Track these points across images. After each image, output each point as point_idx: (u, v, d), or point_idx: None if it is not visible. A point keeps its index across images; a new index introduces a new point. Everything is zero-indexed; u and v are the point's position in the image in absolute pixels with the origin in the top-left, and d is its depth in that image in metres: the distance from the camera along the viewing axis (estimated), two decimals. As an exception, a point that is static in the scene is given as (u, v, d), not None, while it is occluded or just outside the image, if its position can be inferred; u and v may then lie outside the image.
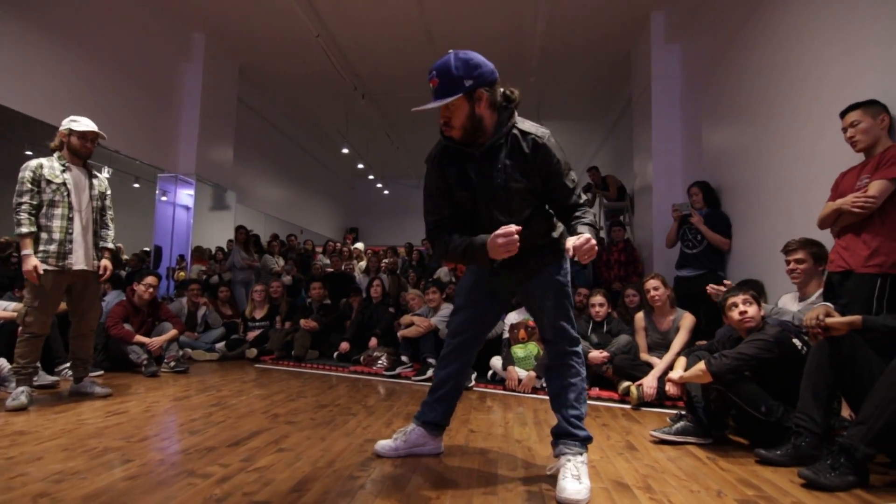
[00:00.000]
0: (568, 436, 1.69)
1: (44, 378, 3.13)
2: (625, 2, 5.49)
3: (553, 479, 1.62)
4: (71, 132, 2.80)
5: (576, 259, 1.51)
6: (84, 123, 2.82)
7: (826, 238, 2.53)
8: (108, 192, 3.05)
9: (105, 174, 5.85)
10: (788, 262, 2.63)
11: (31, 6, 4.27)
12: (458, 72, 1.51)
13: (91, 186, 2.90)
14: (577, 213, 1.67)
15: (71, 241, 2.74)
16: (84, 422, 2.31)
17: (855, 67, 2.71)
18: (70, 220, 2.75)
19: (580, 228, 1.60)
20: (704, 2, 4.69)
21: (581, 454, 1.65)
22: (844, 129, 2.33)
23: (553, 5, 5.37)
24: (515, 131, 1.62)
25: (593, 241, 1.50)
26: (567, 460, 1.61)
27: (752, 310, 2.32)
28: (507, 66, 7.12)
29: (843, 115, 2.35)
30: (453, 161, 1.68)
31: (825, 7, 2.98)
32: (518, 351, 3.69)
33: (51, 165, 2.75)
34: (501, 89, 1.62)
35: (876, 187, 2.10)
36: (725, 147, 4.33)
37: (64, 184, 2.74)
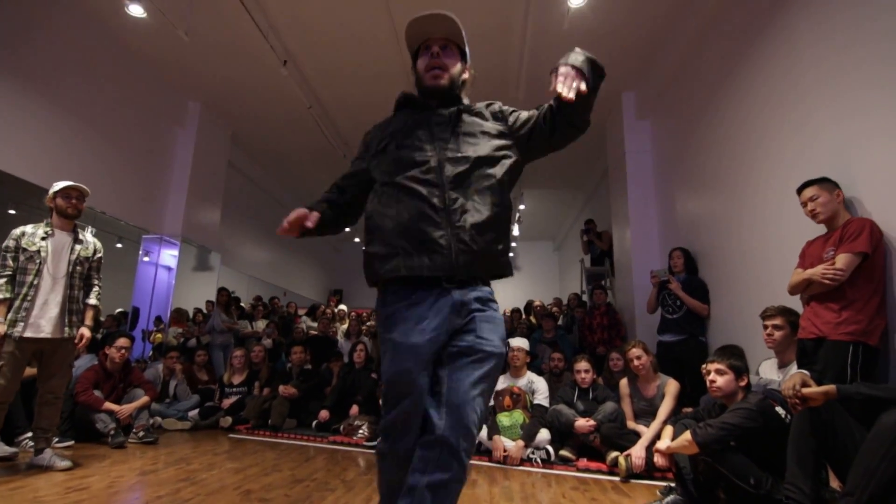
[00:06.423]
0: None
1: (1, 449, 2.94)
2: (598, 82, 5.91)
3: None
4: (55, 194, 2.87)
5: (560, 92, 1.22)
6: (63, 183, 2.89)
7: (796, 303, 2.62)
8: (99, 255, 3.07)
9: (88, 234, 5.82)
10: (766, 327, 2.69)
11: (21, 67, 4.31)
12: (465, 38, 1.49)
13: (72, 251, 2.90)
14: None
15: (28, 310, 2.70)
16: (41, 499, 2.15)
17: (808, 143, 2.94)
18: (35, 287, 2.73)
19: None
20: (670, 84, 5.10)
21: None
22: (804, 204, 2.49)
23: (531, 80, 5.74)
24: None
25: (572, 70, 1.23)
26: None
27: (721, 380, 2.34)
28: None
29: (799, 191, 2.52)
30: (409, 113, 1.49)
31: (780, 89, 3.26)
32: (503, 419, 3.60)
33: (32, 233, 2.80)
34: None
35: (843, 260, 2.22)
36: (699, 216, 4.54)
37: (38, 251, 2.76)
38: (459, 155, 1.36)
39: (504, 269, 1.40)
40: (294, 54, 5.53)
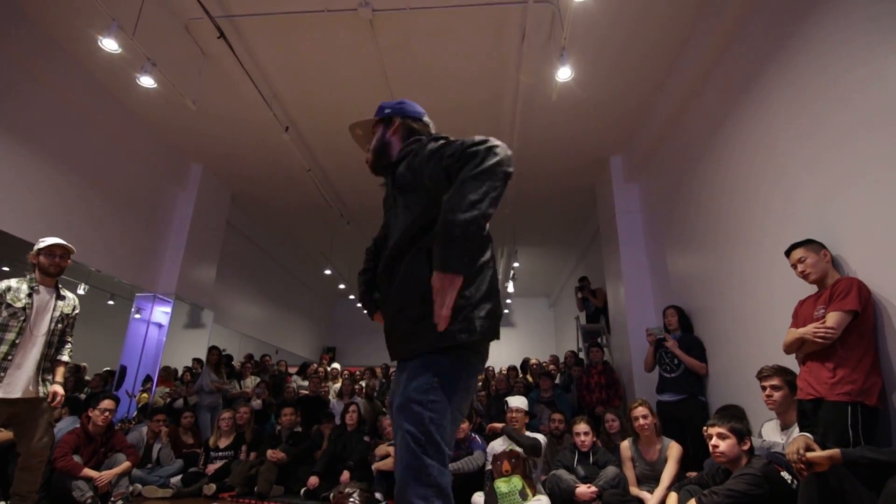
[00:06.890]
0: None
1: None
2: (586, 147, 6.14)
3: None
4: (38, 251, 2.84)
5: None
6: (49, 240, 2.86)
7: (791, 361, 2.61)
8: (76, 312, 3.00)
9: (81, 290, 5.78)
10: (764, 388, 2.67)
11: (22, 125, 4.38)
12: (386, 105, 1.66)
13: (55, 308, 2.84)
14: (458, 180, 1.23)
15: (5, 369, 2.61)
16: (8, 578, 2.00)
17: (790, 201, 3.05)
18: (15, 346, 2.65)
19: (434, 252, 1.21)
20: (655, 149, 5.35)
21: None
22: (794, 265, 2.55)
23: (523, 147, 5.99)
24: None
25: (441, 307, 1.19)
26: None
27: (723, 444, 2.31)
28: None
29: (787, 253, 2.59)
30: None
31: (758, 151, 3.42)
32: (501, 486, 3.45)
33: (17, 288, 2.74)
34: (426, 124, 1.63)
35: (833, 319, 2.25)
36: (690, 274, 4.61)
37: (24, 308, 2.70)
38: (391, 242, 1.45)
39: (431, 339, 1.30)
40: (295, 121, 5.78)
